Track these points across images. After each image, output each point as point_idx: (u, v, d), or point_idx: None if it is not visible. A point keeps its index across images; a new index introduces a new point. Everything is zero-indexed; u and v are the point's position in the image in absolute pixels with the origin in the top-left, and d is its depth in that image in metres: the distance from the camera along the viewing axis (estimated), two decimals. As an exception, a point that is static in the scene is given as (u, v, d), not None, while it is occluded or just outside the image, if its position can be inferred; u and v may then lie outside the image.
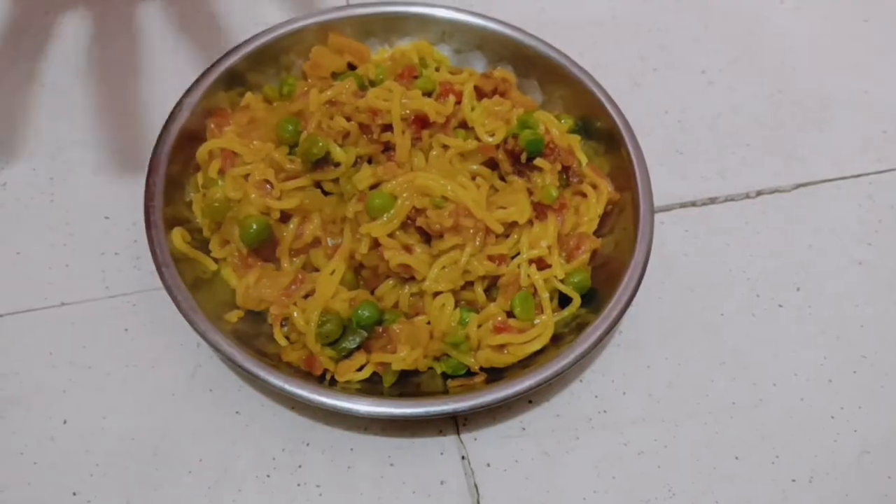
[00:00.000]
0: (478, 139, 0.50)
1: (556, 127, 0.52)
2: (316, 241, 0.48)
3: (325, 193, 0.49)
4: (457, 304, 0.47)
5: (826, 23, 0.67)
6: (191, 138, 0.50)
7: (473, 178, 0.49)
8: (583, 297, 0.48)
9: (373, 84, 0.52)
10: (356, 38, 0.56)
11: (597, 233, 0.51)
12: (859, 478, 0.47)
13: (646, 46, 0.64)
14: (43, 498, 0.43)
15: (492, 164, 0.50)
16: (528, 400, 0.48)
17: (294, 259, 0.48)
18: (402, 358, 0.45)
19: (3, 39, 0.59)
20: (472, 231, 0.46)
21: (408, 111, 0.48)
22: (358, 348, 0.46)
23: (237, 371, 0.47)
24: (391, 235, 0.46)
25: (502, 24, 0.56)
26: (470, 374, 0.46)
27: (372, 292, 0.47)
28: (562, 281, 0.48)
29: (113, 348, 0.48)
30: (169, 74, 0.56)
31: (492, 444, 0.46)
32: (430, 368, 0.47)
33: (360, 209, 0.46)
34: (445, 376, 0.47)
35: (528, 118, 0.50)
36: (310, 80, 0.53)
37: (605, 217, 0.51)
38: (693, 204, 0.57)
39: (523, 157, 0.49)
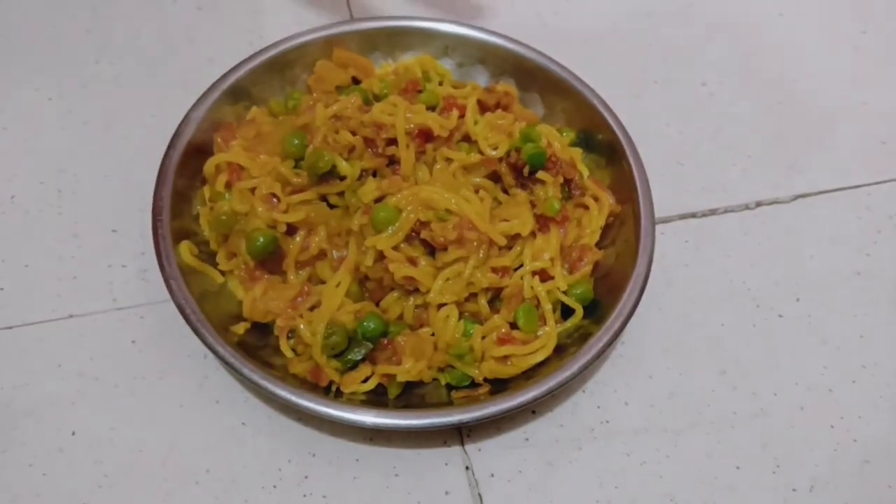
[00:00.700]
0: (481, 152, 0.50)
1: (557, 140, 0.52)
2: (322, 254, 0.48)
3: (331, 206, 0.49)
4: (461, 316, 0.47)
5: (825, 35, 0.68)
6: (198, 152, 0.51)
7: (477, 191, 0.49)
8: (585, 308, 0.49)
9: (377, 98, 0.53)
10: (360, 53, 0.56)
11: (599, 244, 0.51)
12: (860, 487, 0.47)
13: (646, 59, 0.64)
14: (52, 509, 0.44)
15: (495, 177, 0.50)
16: (531, 411, 0.48)
17: (300, 271, 0.48)
18: (407, 369, 0.46)
19: (13, 53, 0.60)
20: (475, 243, 0.46)
21: (412, 125, 0.49)
22: (363, 360, 0.46)
23: (244, 382, 0.47)
24: (396, 248, 0.46)
25: (504, 38, 0.57)
26: (474, 385, 0.47)
27: (377, 304, 0.48)
28: (564, 292, 0.49)
29: (121, 360, 0.48)
30: (176, 88, 0.57)
31: (496, 454, 0.47)
32: (435, 380, 0.47)
33: (365, 222, 0.47)
34: (450, 387, 0.47)
35: (530, 131, 0.51)
36: (315, 95, 0.54)
37: (606, 229, 0.52)
38: (693, 215, 0.57)
39: (526, 171, 0.49)
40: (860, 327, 0.53)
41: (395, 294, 0.47)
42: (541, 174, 0.50)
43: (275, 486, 0.45)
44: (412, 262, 0.47)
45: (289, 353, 0.47)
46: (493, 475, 0.46)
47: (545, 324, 0.48)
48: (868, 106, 0.64)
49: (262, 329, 0.48)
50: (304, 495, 0.45)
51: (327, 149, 0.48)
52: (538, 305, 0.48)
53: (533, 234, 0.49)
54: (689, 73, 0.64)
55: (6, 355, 0.48)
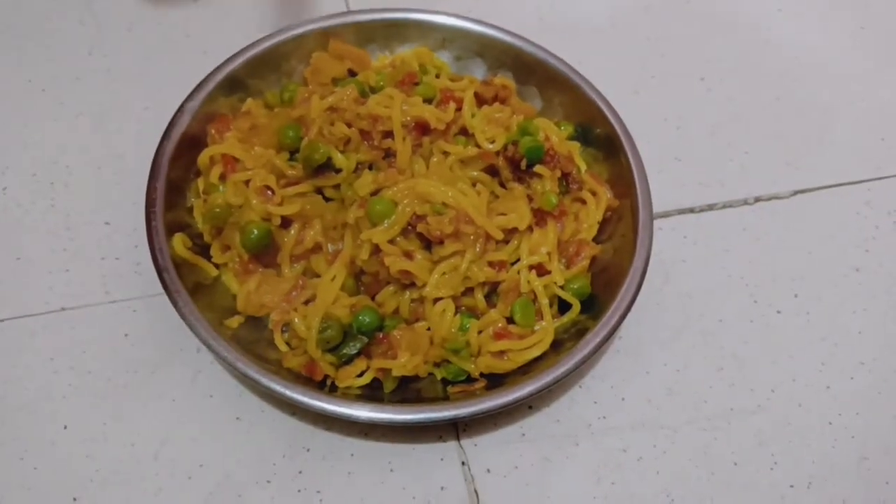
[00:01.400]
0: (478, 146, 0.50)
1: (555, 134, 0.52)
2: (317, 247, 0.48)
3: (326, 199, 0.49)
4: (457, 311, 0.47)
5: (824, 31, 0.68)
6: (192, 144, 0.50)
7: (474, 185, 0.49)
8: (582, 303, 0.49)
9: (373, 90, 0.53)
10: (357, 45, 0.56)
11: (596, 239, 0.51)
12: (857, 484, 0.47)
13: (645, 54, 0.64)
14: (44, 503, 0.43)
15: (492, 171, 0.50)
16: (528, 406, 0.48)
17: (295, 265, 0.48)
18: (403, 364, 0.45)
19: (5, 44, 0.60)
20: (472, 237, 0.46)
21: (408, 118, 0.49)
22: (358, 354, 0.46)
23: (238, 377, 0.47)
24: (392, 241, 0.46)
25: (502, 31, 0.56)
26: (470, 380, 0.47)
27: (372, 298, 0.47)
28: (561, 287, 0.48)
29: (113, 353, 0.48)
30: (170, 79, 0.56)
31: (492, 449, 0.47)
32: (431, 374, 0.47)
33: (360, 215, 0.46)
34: (446, 382, 0.47)
35: (527, 125, 0.51)
36: (310, 86, 0.54)
37: (604, 223, 0.52)
38: (692, 210, 0.57)
39: (523, 164, 0.49)
40: (858, 323, 0.53)
41: (390, 288, 0.47)
42: (538, 168, 0.49)
43: (269, 481, 0.45)
44: (408, 255, 0.46)
45: (283, 348, 0.46)
46: (489, 470, 0.46)
47: (542, 318, 0.47)
48: (867, 102, 0.64)
49: (257, 323, 0.47)
50: (299, 490, 0.44)
51: (323, 141, 0.48)
52: (535, 300, 0.48)
53: (530, 229, 0.49)
54: (687, 67, 0.64)
55: (-3, 348, 0.47)
